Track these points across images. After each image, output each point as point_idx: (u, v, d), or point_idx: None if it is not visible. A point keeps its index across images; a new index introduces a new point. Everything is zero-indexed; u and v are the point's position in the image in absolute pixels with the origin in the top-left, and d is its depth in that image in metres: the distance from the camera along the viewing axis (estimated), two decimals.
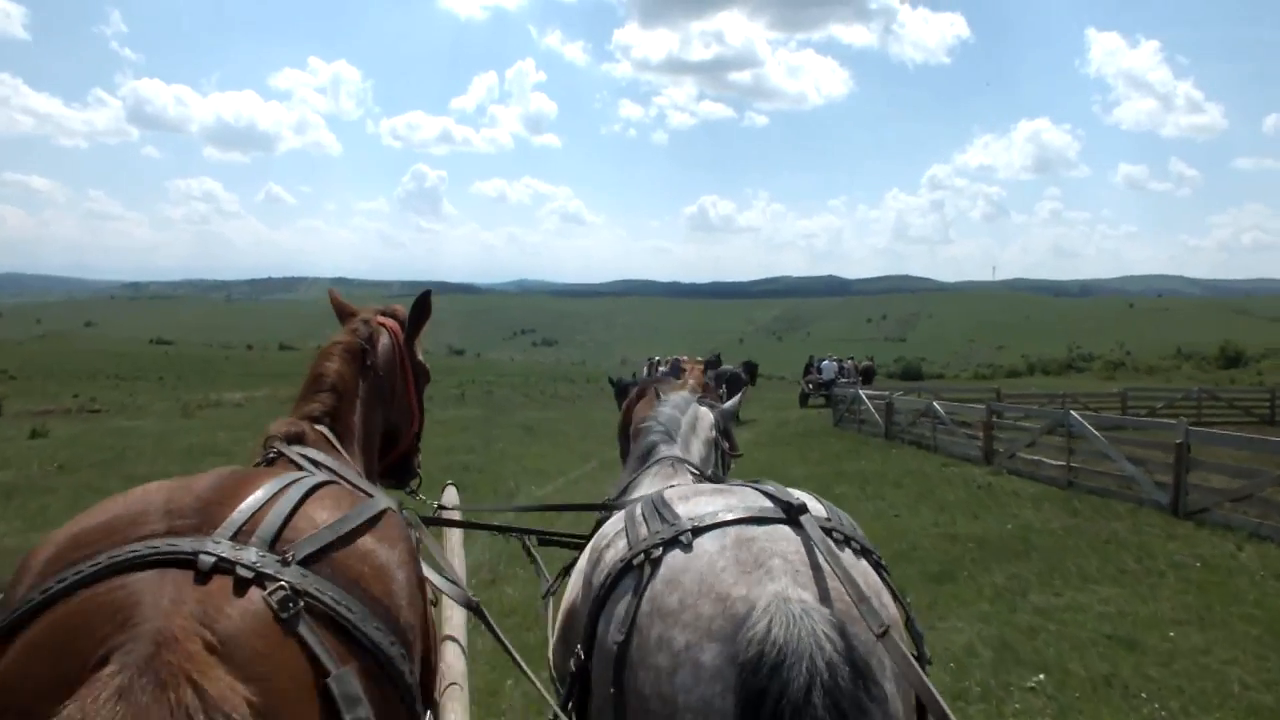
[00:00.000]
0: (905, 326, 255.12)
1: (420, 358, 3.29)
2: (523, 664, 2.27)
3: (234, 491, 1.67)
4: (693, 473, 3.35)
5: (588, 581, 2.39)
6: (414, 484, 3.36)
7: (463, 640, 2.97)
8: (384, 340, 3.04)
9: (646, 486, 3.17)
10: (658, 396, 4.13)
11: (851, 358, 40.93)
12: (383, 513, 1.83)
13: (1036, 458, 15.48)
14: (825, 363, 36.68)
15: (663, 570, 2.05)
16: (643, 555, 2.11)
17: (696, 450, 3.66)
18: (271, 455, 2.30)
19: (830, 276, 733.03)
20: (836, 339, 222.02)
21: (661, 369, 23.22)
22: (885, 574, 2.15)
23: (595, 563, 2.36)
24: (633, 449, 3.69)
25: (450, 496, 4.03)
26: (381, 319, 3.12)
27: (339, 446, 2.59)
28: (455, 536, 3.69)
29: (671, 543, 2.09)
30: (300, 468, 2.16)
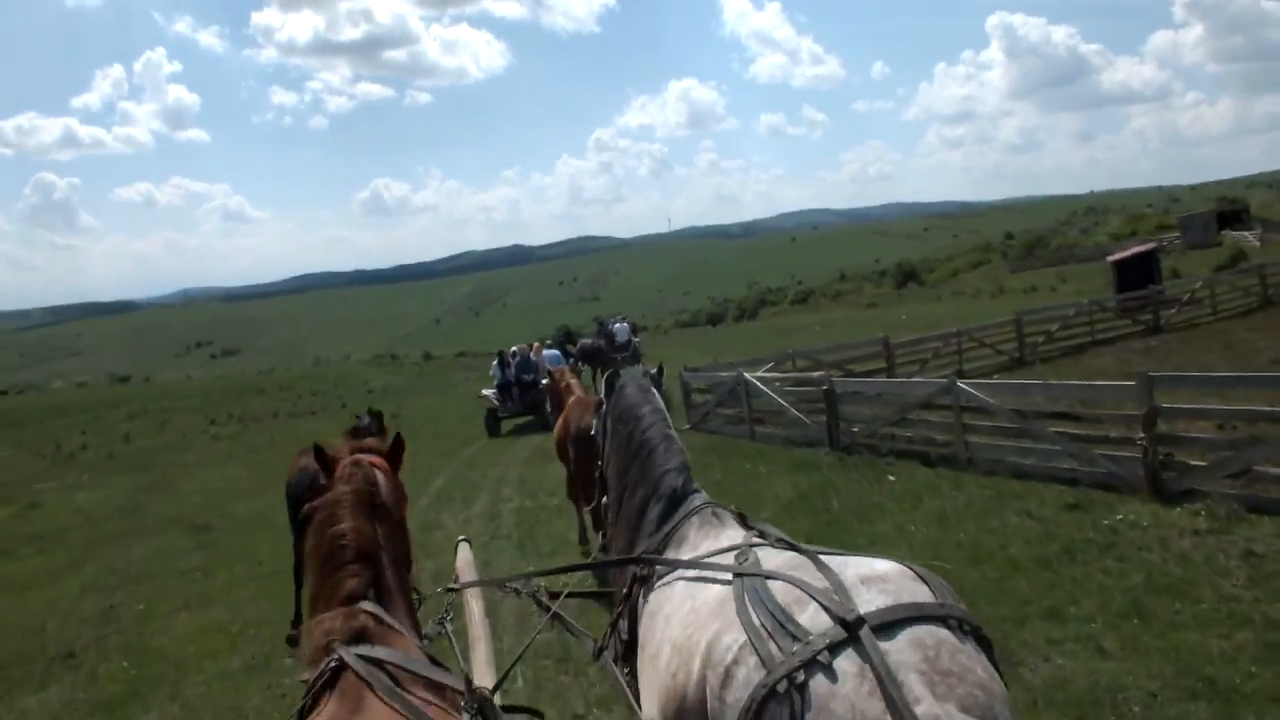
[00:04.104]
0: (596, 286, 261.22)
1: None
2: None
3: None
4: (735, 517, 3.09)
5: (713, 693, 2.25)
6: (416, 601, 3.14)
7: None
8: (383, 481, 2.92)
9: (694, 542, 3.01)
10: (609, 395, 3.81)
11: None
12: None
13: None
14: (617, 324, 31.07)
15: (812, 699, 2.02)
16: (786, 682, 2.05)
17: None
18: (334, 663, 2.21)
19: (515, 246, 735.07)
20: (531, 306, 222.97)
21: (515, 358, 20.87)
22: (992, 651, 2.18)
23: (724, 679, 2.22)
24: (638, 480, 3.42)
25: (464, 556, 3.81)
26: (370, 458, 2.99)
27: (389, 620, 2.46)
28: (477, 611, 3.44)
29: (811, 664, 2.05)
30: (364, 680, 2.15)
